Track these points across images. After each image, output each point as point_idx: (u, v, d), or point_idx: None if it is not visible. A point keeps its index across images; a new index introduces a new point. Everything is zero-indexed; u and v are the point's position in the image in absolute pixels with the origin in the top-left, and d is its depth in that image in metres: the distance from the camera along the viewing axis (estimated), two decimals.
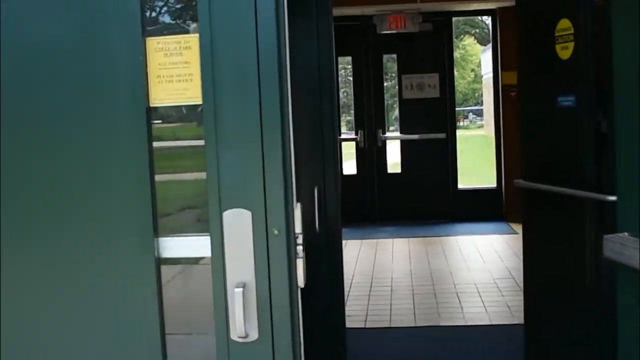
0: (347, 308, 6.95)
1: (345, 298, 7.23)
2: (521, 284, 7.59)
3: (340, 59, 11.77)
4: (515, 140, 11.38)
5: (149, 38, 2.45)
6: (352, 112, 11.82)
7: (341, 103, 12.76)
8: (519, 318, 6.39)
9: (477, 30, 51.13)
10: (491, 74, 30.94)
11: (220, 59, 2.37)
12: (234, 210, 2.31)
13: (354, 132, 11.76)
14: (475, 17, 47.22)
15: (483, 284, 7.67)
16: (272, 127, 2.38)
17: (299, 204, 2.50)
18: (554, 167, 4.28)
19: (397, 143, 11.78)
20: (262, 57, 2.35)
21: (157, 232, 2.38)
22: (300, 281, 2.44)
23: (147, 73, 2.44)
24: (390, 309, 6.96)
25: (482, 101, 48.34)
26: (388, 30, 11.12)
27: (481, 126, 46.17)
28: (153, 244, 2.36)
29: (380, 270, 8.48)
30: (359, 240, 10.35)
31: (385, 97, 11.84)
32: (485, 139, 33.43)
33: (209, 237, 2.31)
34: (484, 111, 43.56)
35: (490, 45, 33.75)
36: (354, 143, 11.73)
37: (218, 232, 2.34)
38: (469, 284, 7.73)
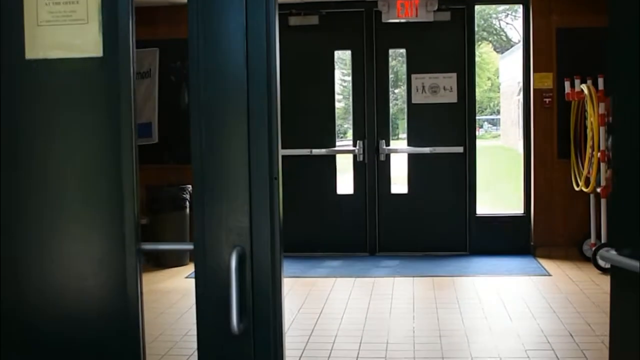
0: None
1: None
2: None
3: (337, 52, 9.71)
4: (549, 157, 9.28)
5: None
6: (350, 118, 9.74)
7: (337, 106, 10.66)
8: None
9: (495, 37, 49.33)
10: (511, 82, 28.80)
11: None
12: None
13: (351, 142, 9.68)
14: (495, 20, 45.37)
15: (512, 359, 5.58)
16: None
17: None
18: None
19: (404, 157, 9.69)
20: None
21: None
22: None
23: None
24: None
25: (497, 110, 46.66)
26: (396, 18, 9.12)
27: (497, 136, 44.36)
28: None
29: (373, 330, 6.38)
30: (352, 279, 8.26)
31: (391, 101, 9.74)
32: (503, 150, 31.39)
33: None
34: (501, 121, 41.68)
35: (510, 51, 31.64)
36: (351, 156, 9.65)
37: None
38: (493, 357, 5.63)
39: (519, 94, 32.30)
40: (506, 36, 48.06)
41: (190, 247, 2.69)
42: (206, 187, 2.61)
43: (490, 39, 49.35)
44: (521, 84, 26.87)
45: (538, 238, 9.26)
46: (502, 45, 46.60)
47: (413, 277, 8.28)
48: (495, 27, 48.58)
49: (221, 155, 2.57)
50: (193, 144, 2.62)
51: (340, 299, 7.45)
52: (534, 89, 9.18)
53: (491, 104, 50.94)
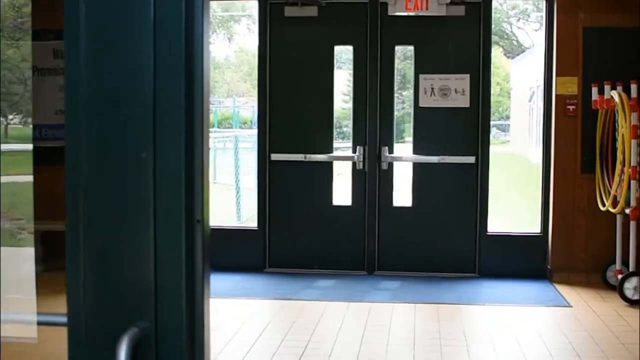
0: None
1: None
2: None
3: (337, 48, 8.74)
4: (571, 171, 8.18)
5: None
6: (350, 121, 8.78)
7: (344, 107, 9.71)
8: None
9: (506, 42, 48.50)
10: (522, 87, 27.99)
11: None
12: None
13: (350, 148, 8.71)
14: (506, 24, 44.53)
15: None
16: None
17: None
18: None
19: (409, 166, 8.71)
20: None
21: None
22: None
23: None
24: None
25: (506, 116, 45.88)
26: (404, 11, 8.19)
27: (505, 142, 43.50)
28: None
29: None
30: (346, 303, 7.29)
31: (396, 103, 8.76)
32: (512, 157, 30.47)
33: None
34: (511, 127, 40.82)
35: (522, 55, 30.78)
36: (350, 163, 8.68)
37: None
38: None
39: (530, 100, 31.39)
40: (517, 40, 47.22)
41: (62, 319, 1.73)
42: (84, 232, 1.64)
43: (501, 43, 48.50)
44: (533, 90, 25.89)
45: (556, 261, 8.29)
46: (513, 50, 45.77)
47: (415, 303, 7.30)
48: (506, 31, 47.77)
49: (110, 186, 1.61)
50: (66, 166, 1.65)
51: (330, 329, 6.47)
52: (556, 95, 8.20)
53: (500, 109, 50.13)
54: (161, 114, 1.58)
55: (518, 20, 44.91)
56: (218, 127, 23.40)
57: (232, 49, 33.54)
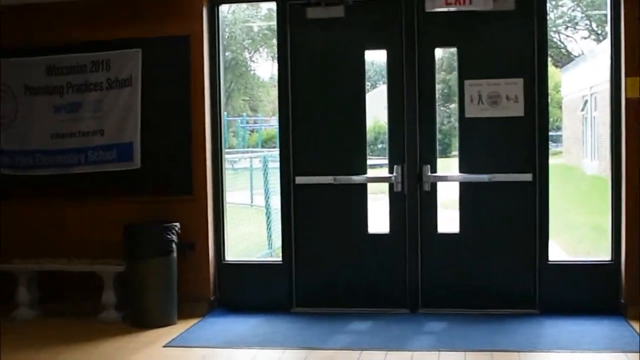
0: None
1: None
2: None
3: (369, 53, 7.62)
4: None
5: None
6: (386, 137, 7.63)
7: (377, 124, 8.61)
8: None
9: (554, 51, 47.22)
10: (573, 96, 26.53)
11: None
12: None
13: (387, 168, 7.58)
14: (553, 33, 43.16)
15: None
16: None
17: None
18: None
19: (455, 187, 7.54)
20: None
21: None
22: None
23: None
24: None
25: (557, 127, 44.54)
26: (444, 7, 7.07)
27: (557, 153, 42.13)
28: None
29: None
30: (382, 353, 6.12)
31: (438, 114, 7.60)
32: (566, 169, 29.20)
33: None
34: (564, 137, 39.41)
35: (573, 63, 29.43)
36: (386, 185, 7.55)
37: None
38: None
39: (583, 110, 30.03)
40: (566, 49, 45.91)
41: None
42: None
43: (549, 52, 47.30)
44: (587, 98, 24.53)
45: (631, 293, 7.05)
46: (562, 59, 44.53)
47: (465, 351, 6.11)
48: (554, 39, 46.49)
49: None
50: None
51: None
52: (626, 99, 7.00)
53: (551, 120, 48.80)
54: None
55: (566, 28, 43.62)
56: (263, 146, 22.44)
57: (276, 66, 32.97)
